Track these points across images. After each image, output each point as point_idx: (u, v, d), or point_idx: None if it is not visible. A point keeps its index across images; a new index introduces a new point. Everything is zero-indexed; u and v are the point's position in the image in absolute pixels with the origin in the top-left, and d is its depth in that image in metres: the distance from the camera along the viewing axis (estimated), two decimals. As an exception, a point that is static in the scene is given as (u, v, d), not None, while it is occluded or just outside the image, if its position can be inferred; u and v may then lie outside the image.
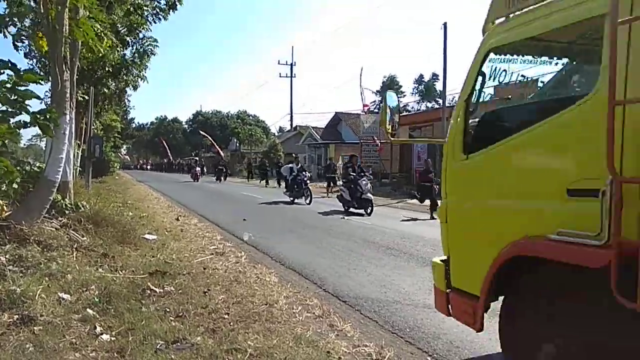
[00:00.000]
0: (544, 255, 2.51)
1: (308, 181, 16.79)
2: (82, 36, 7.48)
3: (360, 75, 38.21)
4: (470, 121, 3.22)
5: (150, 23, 14.58)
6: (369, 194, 13.45)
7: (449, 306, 3.31)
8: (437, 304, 3.49)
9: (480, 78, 3.18)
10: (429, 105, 62.58)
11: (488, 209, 3.01)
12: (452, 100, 21.12)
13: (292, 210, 14.90)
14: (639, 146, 2.18)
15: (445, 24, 22.06)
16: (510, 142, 2.83)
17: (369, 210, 13.29)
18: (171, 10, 14.51)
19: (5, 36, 6.83)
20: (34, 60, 15.17)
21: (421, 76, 67.90)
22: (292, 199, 16.93)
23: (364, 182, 13.55)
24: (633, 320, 2.08)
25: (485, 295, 2.93)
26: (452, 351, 3.75)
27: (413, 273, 6.34)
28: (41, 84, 5.96)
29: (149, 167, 77.49)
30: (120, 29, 14.01)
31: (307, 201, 16.28)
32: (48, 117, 5.45)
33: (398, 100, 4.25)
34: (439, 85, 55.90)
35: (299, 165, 17.88)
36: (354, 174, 13.96)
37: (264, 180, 29.89)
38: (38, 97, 5.47)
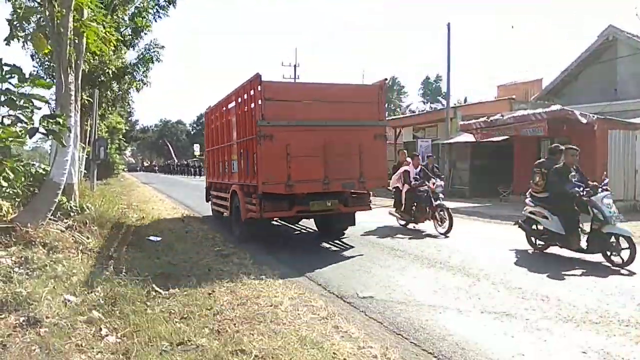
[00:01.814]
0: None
1: (442, 195, 9.93)
2: (93, 35, 7.52)
3: (363, 77, 38.23)
4: None
5: (151, 22, 14.73)
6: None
7: None
8: None
9: None
10: (433, 106, 62.59)
11: None
12: (457, 102, 21.05)
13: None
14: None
15: (448, 25, 22.03)
16: None
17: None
18: (171, 5, 14.66)
19: (18, 40, 6.89)
20: (38, 62, 15.32)
21: (427, 78, 68.01)
22: (404, 222, 10.53)
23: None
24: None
25: None
26: (457, 352, 3.74)
27: (418, 274, 6.32)
28: (49, 88, 6.03)
29: (157, 168, 77.49)
30: (123, 30, 14.13)
31: (444, 228, 9.33)
32: (58, 122, 5.47)
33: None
34: (444, 87, 55.88)
35: (422, 165, 10.82)
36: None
37: None
38: (47, 102, 5.52)
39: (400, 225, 10.59)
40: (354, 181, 8.23)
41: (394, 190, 10.82)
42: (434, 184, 9.91)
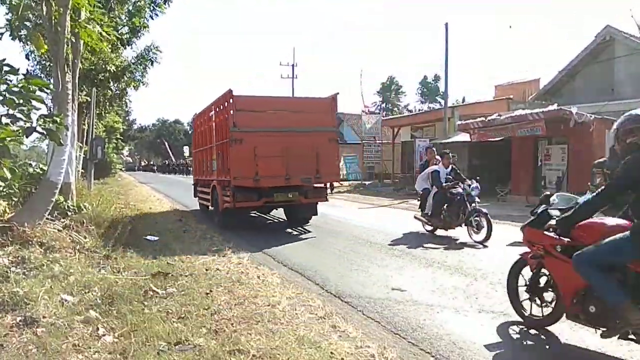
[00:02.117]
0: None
1: (477, 198, 8.99)
2: (86, 37, 7.50)
3: (360, 76, 38.26)
4: None
5: (148, 20, 14.74)
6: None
7: None
8: None
9: None
10: (431, 105, 62.67)
11: None
12: (455, 101, 21.09)
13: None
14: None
15: (446, 25, 22.06)
16: None
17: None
18: (167, 4, 14.68)
19: (20, 40, 6.87)
20: (35, 61, 15.30)
21: (425, 78, 68.10)
22: (431, 228, 9.52)
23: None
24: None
25: None
26: (455, 352, 3.74)
27: (415, 274, 6.32)
28: (47, 92, 6.02)
29: (155, 167, 77.22)
30: (120, 29, 14.13)
31: (481, 236, 8.39)
32: (55, 121, 5.46)
33: None
34: (442, 86, 55.96)
35: (453, 166, 9.73)
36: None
37: None
38: (43, 102, 5.52)
39: (427, 231, 9.57)
40: (311, 177, 9.81)
41: (422, 192, 9.85)
42: (469, 185, 8.97)
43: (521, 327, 4.23)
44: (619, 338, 3.44)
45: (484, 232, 8.31)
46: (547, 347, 3.81)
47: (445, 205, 9.00)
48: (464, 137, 18.13)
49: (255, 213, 12.10)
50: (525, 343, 3.89)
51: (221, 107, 10.52)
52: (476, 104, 24.27)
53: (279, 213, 12.00)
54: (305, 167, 9.66)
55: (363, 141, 27.70)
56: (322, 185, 10.23)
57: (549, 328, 4.12)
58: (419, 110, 56.62)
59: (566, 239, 3.75)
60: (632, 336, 3.38)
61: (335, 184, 12.76)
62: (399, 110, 61.74)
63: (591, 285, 3.47)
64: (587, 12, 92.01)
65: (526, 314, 4.27)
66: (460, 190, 8.91)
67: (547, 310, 4.07)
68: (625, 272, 3.36)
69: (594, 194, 3.72)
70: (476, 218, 8.53)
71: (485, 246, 8.13)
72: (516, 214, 12.67)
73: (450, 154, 9.69)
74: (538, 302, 4.13)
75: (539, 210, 4.16)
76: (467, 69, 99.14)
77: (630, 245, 3.26)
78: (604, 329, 3.44)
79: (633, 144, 3.45)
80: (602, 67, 18.92)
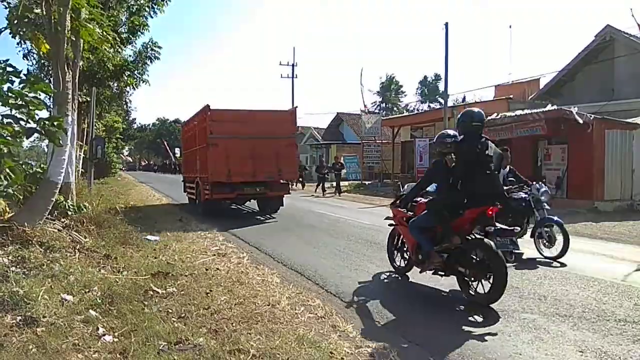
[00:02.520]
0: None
1: (547, 205, 7.40)
2: (87, 36, 7.50)
3: (361, 75, 38.27)
4: None
5: (147, 18, 14.73)
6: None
7: None
8: None
9: None
10: (432, 105, 62.60)
11: None
12: (455, 101, 21.08)
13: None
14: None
15: (446, 24, 22.04)
16: None
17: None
18: (165, 2, 14.67)
19: (20, 40, 6.86)
20: (33, 61, 15.29)
21: (425, 77, 67.99)
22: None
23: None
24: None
25: None
26: (454, 352, 3.74)
27: (415, 274, 6.32)
28: (50, 94, 6.03)
29: (155, 167, 77.01)
30: (120, 28, 14.13)
31: (554, 251, 6.96)
32: (55, 124, 5.46)
33: None
34: (441, 86, 55.93)
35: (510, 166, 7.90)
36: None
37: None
38: (45, 105, 5.53)
39: None
40: (273, 174, 12.22)
41: None
42: (538, 189, 7.36)
43: (520, 326, 4.25)
44: (433, 273, 5.37)
45: (558, 246, 6.88)
46: (546, 345, 3.81)
47: (507, 213, 6.54)
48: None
49: (235, 205, 14.54)
50: (524, 342, 3.89)
51: (201, 118, 13.01)
52: (476, 104, 24.25)
53: (254, 205, 14.27)
54: (268, 166, 12.07)
55: (363, 141, 27.68)
56: (285, 181, 12.88)
57: (546, 326, 4.21)
58: (419, 110, 56.61)
59: (410, 213, 5.76)
60: (440, 272, 5.29)
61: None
62: (399, 110, 61.68)
63: (418, 242, 5.39)
64: (587, 12, 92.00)
65: (395, 265, 6.23)
66: (523, 195, 7.36)
67: (405, 262, 6.05)
68: (435, 231, 5.26)
69: (415, 184, 5.89)
70: (546, 229, 7.09)
71: (561, 264, 6.70)
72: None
73: (508, 152, 7.70)
74: (400, 256, 6.16)
75: (399, 194, 6.29)
76: (466, 68, 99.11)
77: (432, 216, 5.24)
78: (421, 267, 5.43)
79: (437, 153, 5.45)
80: (602, 67, 18.90)
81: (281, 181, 12.57)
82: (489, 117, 15.84)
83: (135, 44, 16.09)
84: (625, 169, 13.51)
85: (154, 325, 3.89)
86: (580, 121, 12.96)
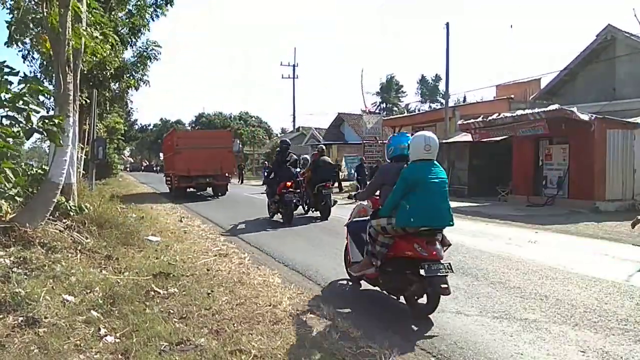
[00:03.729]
0: None
1: None
2: (88, 39, 7.49)
3: (361, 76, 38.28)
4: None
5: (149, 22, 14.72)
6: None
7: None
8: None
9: None
10: (432, 105, 62.57)
11: None
12: (456, 101, 21.07)
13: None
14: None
15: (447, 24, 22.04)
16: None
17: None
18: (168, 5, 14.66)
19: (16, 43, 6.84)
20: (32, 62, 15.29)
21: (423, 77, 67.94)
22: None
23: None
24: None
25: None
26: (456, 352, 3.74)
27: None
28: (47, 97, 6.01)
29: (157, 168, 76.84)
30: (120, 29, 14.11)
31: None
32: (55, 122, 5.46)
33: None
34: (442, 86, 55.93)
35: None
36: None
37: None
38: (42, 104, 5.52)
39: None
40: (217, 170, 18.83)
41: None
42: None
43: (522, 326, 4.24)
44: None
45: None
46: (548, 345, 3.81)
47: None
48: (465, 137, 18.10)
49: (202, 193, 20.68)
50: (525, 343, 3.89)
51: (172, 136, 21.60)
52: (477, 104, 24.25)
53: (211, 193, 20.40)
54: (214, 166, 18.68)
55: (364, 141, 27.66)
56: (226, 175, 19.68)
57: (548, 327, 4.20)
58: (419, 110, 56.58)
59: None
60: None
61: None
62: (399, 110, 61.62)
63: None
64: (588, 11, 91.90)
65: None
66: None
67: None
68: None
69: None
70: None
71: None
72: (517, 213, 12.67)
73: None
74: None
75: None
76: (467, 68, 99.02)
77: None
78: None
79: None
80: (603, 67, 18.87)
81: (223, 175, 19.44)
82: (489, 117, 15.84)
83: (137, 45, 16.12)
84: (627, 168, 13.49)
85: (155, 325, 3.89)
86: (586, 118, 12.92)
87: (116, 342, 3.63)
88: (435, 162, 4.63)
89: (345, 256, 5.96)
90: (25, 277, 4.80)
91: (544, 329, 4.17)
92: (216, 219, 12.26)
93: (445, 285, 4.22)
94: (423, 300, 4.53)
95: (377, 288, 5.14)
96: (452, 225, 4.50)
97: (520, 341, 3.92)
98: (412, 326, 4.34)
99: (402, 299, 4.82)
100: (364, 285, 5.71)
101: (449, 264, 4.35)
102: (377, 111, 56.04)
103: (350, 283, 5.79)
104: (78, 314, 4.10)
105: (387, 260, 4.68)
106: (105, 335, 3.73)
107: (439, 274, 4.25)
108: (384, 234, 4.63)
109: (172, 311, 4.36)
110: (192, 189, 19.90)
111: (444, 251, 4.53)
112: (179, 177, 18.65)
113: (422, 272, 4.23)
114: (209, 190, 20.53)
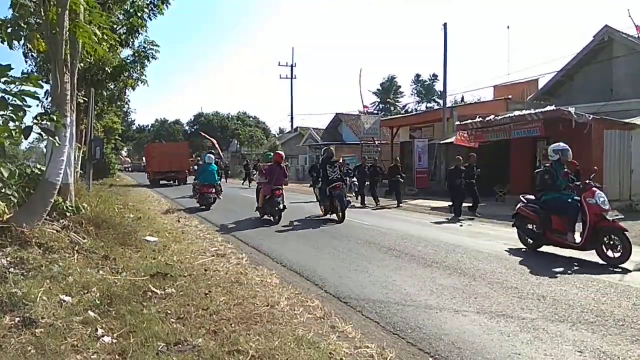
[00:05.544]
0: None
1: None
2: (86, 38, 7.47)
3: (360, 76, 38.30)
4: None
5: (146, 21, 14.70)
6: None
7: None
8: None
9: None
10: (429, 105, 62.61)
11: None
12: (453, 101, 21.11)
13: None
14: None
15: (445, 24, 22.09)
16: None
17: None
18: (165, 5, 14.64)
19: (10, 42, 6.78)
20: (32, 61, 15.25)
21: (418, 75, 67.88)
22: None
23: None
24: None
25: None
26: (454, 352, 3.75)
27: (414, 274, 6.33)
28: (41, 86, 5.97)
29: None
30: (118, 29, 14.09)
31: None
32: (52, 118, 5.43)
33: None
34: (438, 86, 55.98)
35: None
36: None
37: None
38: (37, 98, 5.44)
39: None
40: (178, 168, 31.23)
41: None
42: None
43: (519, 326, 4.25)
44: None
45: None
46: (545, 345, 3.82)
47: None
48: (461, 142, 18.10)
49: (170, 182, 30.85)
50: (523, 343, 3.89)
51: (150, 147, 37.86)
52: (475, 104, 24.30)
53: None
54: (176, 165, 30.82)
55: (362, 141, 27.69)
56: (184, 171, 31.72)
57: (545, 327, 4.20)
58: (417, 110, 56.64)
59: None
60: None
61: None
62: (398, 110, 61.67)
63: None
64: (585, 12, 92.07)
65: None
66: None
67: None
68: None
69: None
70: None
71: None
72: (515, 214, 12.67)
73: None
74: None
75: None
76: (465, 69, 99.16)
77: None
78: None
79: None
80: (600, 68, 18.94)
81: (182, 171, 31.29)
82: (487, 118, 15.86)
83: (133, 44, 16.09)
84: (624, 169, 13.52)
85: (152, 326, 3.89)
86: (580, 121, 12.96)
87: (113, 342, 3.62)
88: None
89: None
90: (22, 277, 4.79)
91: (542, 328, 4.18)
92: (213, 219, 12.25)
93: None
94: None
95: (374, 290, 5.10)
96: None
97: (518, 341, 3.92)
98: (410, 326, 4.35)
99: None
100: (364, 285, 5.72)
101: None
102: (375, 111, 56.07)
103: (350, 282, 5.80)
104: (75, 315, 4.09)
105: None
106: (103, 336, 3.72)
107: None
108: None
109: (169, 311, 4.36)
110: (163, 181, 30.67)
111: None
112: (154, 172, 31.23)
113: None
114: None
